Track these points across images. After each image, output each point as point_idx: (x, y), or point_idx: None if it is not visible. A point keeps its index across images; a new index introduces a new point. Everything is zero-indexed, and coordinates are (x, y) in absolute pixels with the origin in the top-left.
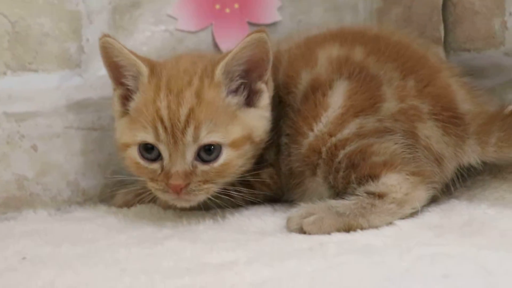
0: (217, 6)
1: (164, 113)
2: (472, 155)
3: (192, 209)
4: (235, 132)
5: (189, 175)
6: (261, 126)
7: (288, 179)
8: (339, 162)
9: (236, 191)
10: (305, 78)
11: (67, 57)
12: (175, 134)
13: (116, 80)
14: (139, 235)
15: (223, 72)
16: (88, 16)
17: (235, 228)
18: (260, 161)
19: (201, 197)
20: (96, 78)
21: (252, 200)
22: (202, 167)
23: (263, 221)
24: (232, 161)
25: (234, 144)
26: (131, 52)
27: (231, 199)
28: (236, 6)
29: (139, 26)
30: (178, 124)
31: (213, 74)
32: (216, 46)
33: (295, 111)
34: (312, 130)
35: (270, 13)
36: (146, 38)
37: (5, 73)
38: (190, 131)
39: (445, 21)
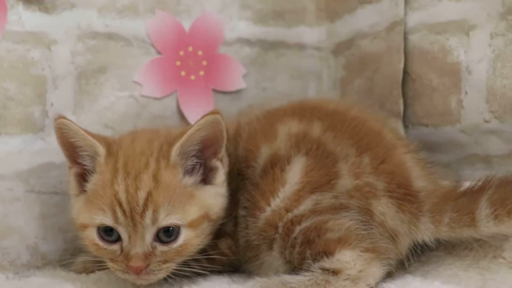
0: (183, 73)
1: (122, 196)
2: (426, 232)
3: None
4: (193, 212)
5: (148, 256)
6: (217, 204)
7: (245, 252)
8: (295, 238)
9: (195, 262)
10: (264, 153)
11: (31, 121)
12: (134, 217)
13: (71, 159)
14: None
15: (178, 153)
16: (53, 81)
17: None
18: (219, 232)
19: (160, 276)
20: None
21: (210, 268)
22: (161, 247)
23: None
24: (191, 240)
25: (192, 224)
26: (87, 132)
27: (190, 270)
28: (202, 73)
29: (104, 91)
30: (136, 208)
31: (168, 155)
32: (180, 112)
33: (254, 184)
34: (269, 204)
35: (235, 80)
36: (110, 103)
37: None
38: (148, 214)
39: (404, 95)
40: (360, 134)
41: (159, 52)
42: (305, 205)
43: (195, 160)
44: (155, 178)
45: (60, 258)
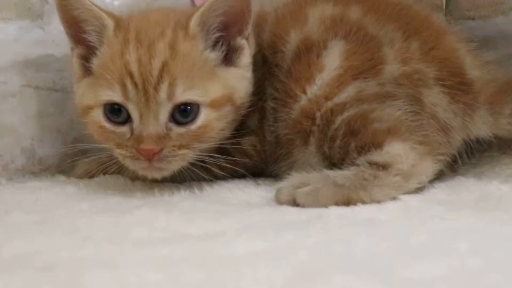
0: None
1: (134, 67)
2: (482, 126)
3: (163, 180)
4: (215, 90)
5: (162, 138)
6: (242, 88)
7: (274, 149)
8: (336, 129)
9: (213, 160)
10: (294, 37)
11: (28, 6)
12: (146, 91)
13: (75, 37)
14: (103, 205)
15: (198, 23)
16: None
17: (215, 199)
18: (241, 128)
19: (176, 164)
20: (60, 33)
21: (231, 170)
22: (177, 129)
23: (246, 193)
24: (212, 123)
25: (213, 104)
26: (93, 3)
27: (208, 169)
28: None
29: None
30: (150, 79)
31: (187, 25)
32: (194, 6)
33: (285, 72)
34: (305, 92)
35: None
36: None
37: None
38: (164, 88)
39: None
40: (406, 18)
41: None
42: (347, 93)
43: (217, 34)
44: (172, 47)
45: (59, 164)
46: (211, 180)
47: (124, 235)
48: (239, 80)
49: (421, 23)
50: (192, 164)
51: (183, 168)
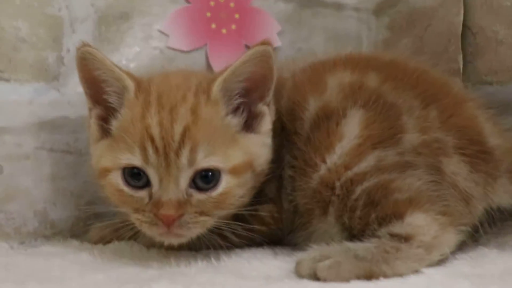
0: (213, 26)
1: (155, 131)
2: (504, 195)
3: (179, 248)
4: (236, 157)
5: (183, 204)
6: (263, 154)
7: (292, 218)
8: (356, 199)
9: (230, 227)
10: (313, 105)
11: (44, 68)
12: (167, 156)
13: (93, 97)
14: (119, 276)
15: (220, 89)
16: (71, 24)
17: (233, 271)
18: (258, 196)
19: (195, 231)
20: (75, 95)
21: (248, 240)
22: (198, 195)
23: (265, 264)
24: (232, 190)
25: (234, 171)
26: (115, 64)
27: (225, 236)
28: (233, 27)
29: (127, 40)
30: (171, 144)
31: (209, 90)
32: (210, 68)
33: (304, 140)
34: (324, 162)
35: (269, 37)
36: (133, 54)
37: None
38: (185, 153)
39: (463, 52)
40: (424, 85)
41: (187, 1)
42: (367, 162)
43: (239, 100)
44: (194, 112)
45: (71, 227)
46: (227, 248)
47: None
48: (259, 146)
49: (440, 90)
50: (209, 230)
51: (200, 235)
